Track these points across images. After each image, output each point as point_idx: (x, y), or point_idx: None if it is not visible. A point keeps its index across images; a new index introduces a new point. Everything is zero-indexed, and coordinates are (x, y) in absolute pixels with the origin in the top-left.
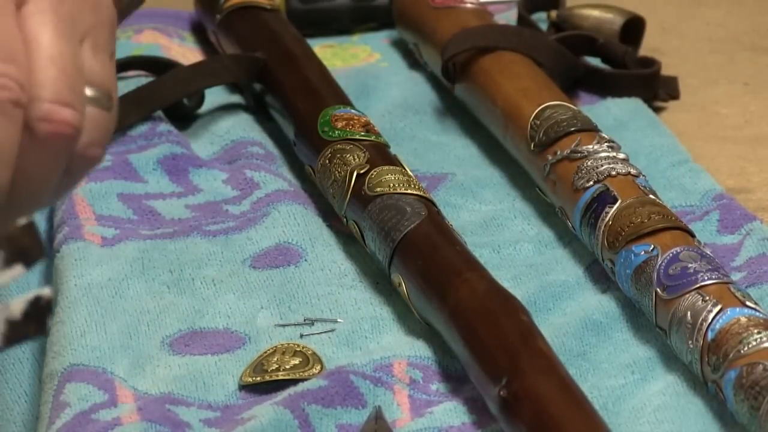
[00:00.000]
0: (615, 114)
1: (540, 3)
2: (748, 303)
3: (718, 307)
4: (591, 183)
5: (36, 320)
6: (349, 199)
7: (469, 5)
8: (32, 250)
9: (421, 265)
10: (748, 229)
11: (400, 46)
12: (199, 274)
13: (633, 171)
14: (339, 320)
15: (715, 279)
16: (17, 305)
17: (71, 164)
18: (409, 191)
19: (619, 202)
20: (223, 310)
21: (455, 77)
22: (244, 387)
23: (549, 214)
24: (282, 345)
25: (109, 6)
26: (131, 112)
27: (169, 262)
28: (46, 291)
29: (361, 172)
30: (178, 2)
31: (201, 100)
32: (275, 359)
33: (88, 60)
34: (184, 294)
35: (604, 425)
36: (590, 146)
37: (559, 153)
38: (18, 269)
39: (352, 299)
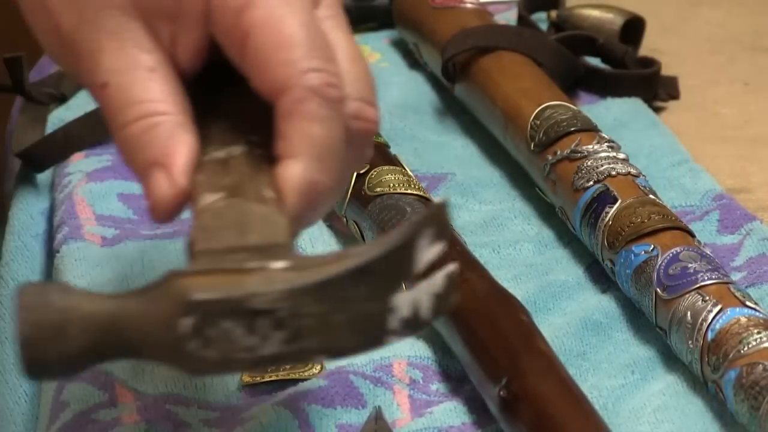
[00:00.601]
0: (615, 114)
1: (540, 3)
2: (748, 303)
3: (718, 307)
4: (591, 183)
5: (452, 296)
6: (349, 199)
7: (469, 5)
8: (448, 227)
9: None
10: (748, 229)
11: (400, 46)
12: None
13: (633, 171)
14: None
15: (715, 279)
16: (439, 280)
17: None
18: (409, 191)
19: (619, 202)
20: None
21: (455, 77)
22: (244, 387)
23: (549, 214)
24: None
25: None
26: None
27: (169, 262)
28: (453, 267)
29: (361, 171)
30: None
31: None
32: None
33: None
34: None
35: (604, 425)
36: (590, 146)
37: (559, 153)
38: (438, 248)
39: None
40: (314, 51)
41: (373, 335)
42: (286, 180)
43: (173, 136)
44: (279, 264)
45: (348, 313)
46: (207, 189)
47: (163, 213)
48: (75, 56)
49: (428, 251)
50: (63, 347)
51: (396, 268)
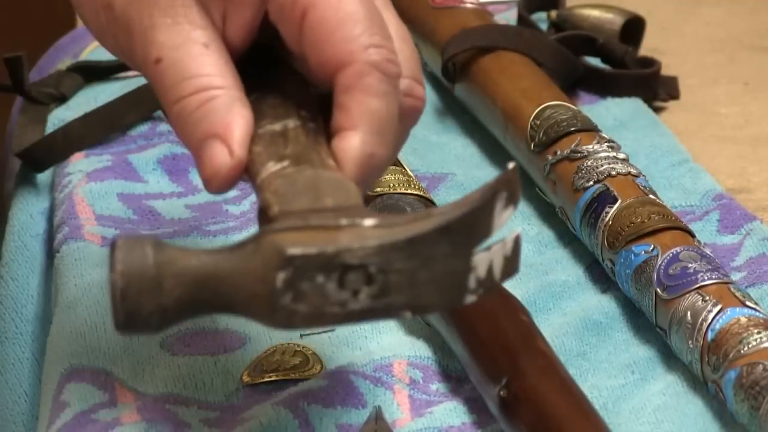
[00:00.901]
0: (615, 114)
1: (540, 3)
2: (748, 303)
3: (718, 307)
4: (591, 183)
5: (518, 259)
6: None
7: (469, 5)
8: (518, 192)
9: None
10: (748, 229)
11: None
12: None
13: (633, 171)
14: None
15: (715, 279)
16: (509, 243)
17: None
18: (409, 191)
19: (619, 202)
20: None
21: (455, 77)
22: (244, 387)
23: (549, 214)
24: (282, 345)
25: None
26: (131, 112)
27: None
28: (519, 231)
29: None
30: None
31: None
32: (275, 359)
33: None
34: None
35: (604, 425)
36: (590, 146)
37: (559, 153)
38: (510, 211)
39: None
40: (374, 28)
41: (454, 293)
42: (345, 151)
43: (229, 109)
44: (369, 221)
45: (433, 270)
46: (269, 158)
47: (221, 184)
48: (127, 33)
49: (503, 214)
50: (159, 300)
51: (477, 227)
